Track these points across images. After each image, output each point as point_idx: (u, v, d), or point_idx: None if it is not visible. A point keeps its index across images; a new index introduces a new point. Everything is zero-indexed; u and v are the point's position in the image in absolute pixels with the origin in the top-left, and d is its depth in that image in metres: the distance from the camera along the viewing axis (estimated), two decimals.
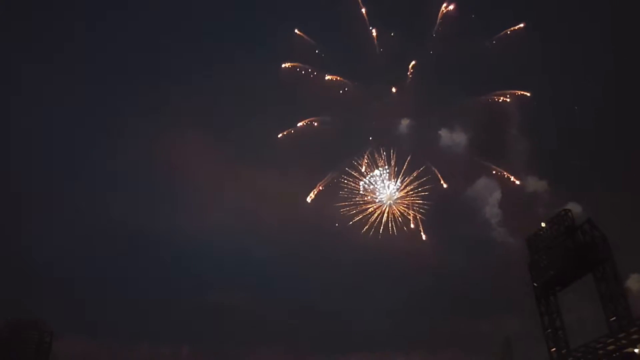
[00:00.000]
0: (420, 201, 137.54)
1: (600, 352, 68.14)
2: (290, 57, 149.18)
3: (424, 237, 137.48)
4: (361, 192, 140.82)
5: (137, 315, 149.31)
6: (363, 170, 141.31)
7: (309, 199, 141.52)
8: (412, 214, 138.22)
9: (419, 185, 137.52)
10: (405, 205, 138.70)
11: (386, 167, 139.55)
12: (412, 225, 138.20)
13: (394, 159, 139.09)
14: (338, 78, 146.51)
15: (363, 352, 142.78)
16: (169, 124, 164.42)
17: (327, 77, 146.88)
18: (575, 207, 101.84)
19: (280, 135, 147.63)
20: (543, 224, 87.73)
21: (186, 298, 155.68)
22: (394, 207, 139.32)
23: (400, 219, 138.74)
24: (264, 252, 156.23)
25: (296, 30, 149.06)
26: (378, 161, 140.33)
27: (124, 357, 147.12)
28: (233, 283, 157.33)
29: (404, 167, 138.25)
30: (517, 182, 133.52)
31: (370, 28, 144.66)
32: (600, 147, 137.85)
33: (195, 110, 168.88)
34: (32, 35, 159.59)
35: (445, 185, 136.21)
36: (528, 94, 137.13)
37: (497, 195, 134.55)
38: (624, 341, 65.65)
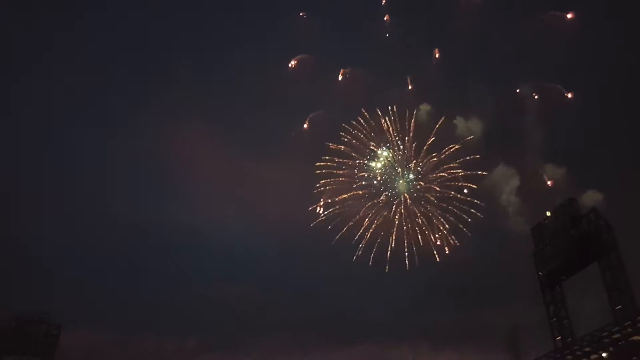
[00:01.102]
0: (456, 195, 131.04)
1: (606, 340, 68.16)
2: (299, 50, 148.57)
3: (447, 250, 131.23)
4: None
5: (142, 307, 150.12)
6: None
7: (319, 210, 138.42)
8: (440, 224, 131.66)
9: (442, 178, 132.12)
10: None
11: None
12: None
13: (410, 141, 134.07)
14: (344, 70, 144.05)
15: (367, 343, 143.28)
16: (170, 119, 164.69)
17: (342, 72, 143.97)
18: (595, 195, 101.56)
19: (294, 134, 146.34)
20: (548, 213, 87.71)
21: (190, 291, 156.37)
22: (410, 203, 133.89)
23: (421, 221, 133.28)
24: (268, 244, 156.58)
25: (301, 13, 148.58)
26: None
27: (130, 349, 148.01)
28: (238, 275, 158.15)
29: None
30: (535, 170, 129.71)
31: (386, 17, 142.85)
32: (620, 134, 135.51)
33: (196, 105, 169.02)
34: (33, 25, 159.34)
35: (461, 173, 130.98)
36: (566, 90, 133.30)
37: (515, 182, 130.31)
38: (629, 329, 65.72)
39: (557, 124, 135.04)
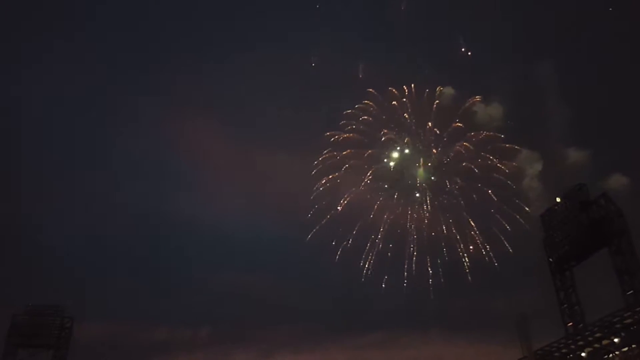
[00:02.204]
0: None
1: (617, 325, 68.17)
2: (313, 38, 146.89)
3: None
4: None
5: (154, 299, 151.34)
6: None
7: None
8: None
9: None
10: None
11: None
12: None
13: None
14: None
15: (378, 332, 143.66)
16: (181, 108, 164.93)
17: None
18: (620, 179, 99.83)
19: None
20: (558, 199, 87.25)
21: (201, 282, 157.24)
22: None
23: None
24: (280, 235, 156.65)
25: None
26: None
27: (144, 341, 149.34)
28: (250, 266, 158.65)
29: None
30: (558, 153, 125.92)
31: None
32: None
33: (201, 97, 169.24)
34: (42, 15, 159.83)
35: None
36: None
37: (538, 167, 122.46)
38: None
39: (582, 105, 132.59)
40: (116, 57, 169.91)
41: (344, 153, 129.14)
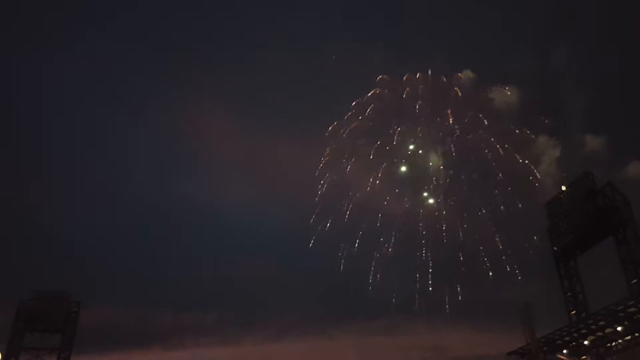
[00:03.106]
0: None
1: (621, 315, 68.15)
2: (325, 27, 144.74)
3: None
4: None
5: (162, 284, 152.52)
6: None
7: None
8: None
9: None
10: None
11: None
12: None
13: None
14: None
15: (382, 319, 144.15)
16: (191, 96, 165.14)
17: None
18: (637, 166, 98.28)
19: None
20: (563, 188, 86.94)
21: (209, 267, 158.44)
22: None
23: None
24: (285, 220, 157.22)
25: None
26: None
27: (149, 325, 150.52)
28: (255, 252, 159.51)
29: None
30: (574, 140, 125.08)
31: None
32: None
33: (216, 85, 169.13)
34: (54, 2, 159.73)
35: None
36: None
37: (555, 153, 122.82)
38: None
39: (599, 91, 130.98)
40: (128, 45, 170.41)
41: (358, 142, 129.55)
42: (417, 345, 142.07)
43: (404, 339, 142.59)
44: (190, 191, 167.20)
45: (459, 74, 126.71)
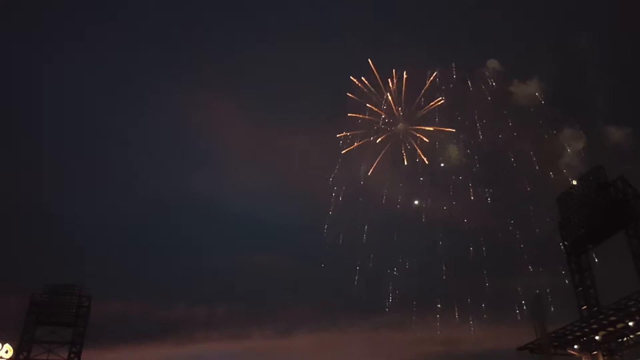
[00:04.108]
0: None
1: (632, 309, 67.49)
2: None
3: None
4: None
5: (173, 278, 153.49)
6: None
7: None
8: None
9: None
10: None
11: None
12: None
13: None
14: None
15: (392, 313, 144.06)
16: (200, 86, 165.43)
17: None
18: None
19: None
20: (574, 182, 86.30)
21: (220, 261, 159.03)
22: None
23: None
24: (297, 214, 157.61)
25: None
26: None
27: (161, 319, 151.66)
28: (266, 245, 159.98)
29: None
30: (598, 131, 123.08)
31: None
32: None
33: (219, 74, 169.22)
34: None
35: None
36: None
37: (578, 145, 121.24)
38: None
39: (623, 82, 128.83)
40: (137, 35, 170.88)
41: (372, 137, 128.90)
42: (427, 339, 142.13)
43: (415, 333, 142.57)
44: (202, 185, 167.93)
45: (486, 64, 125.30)
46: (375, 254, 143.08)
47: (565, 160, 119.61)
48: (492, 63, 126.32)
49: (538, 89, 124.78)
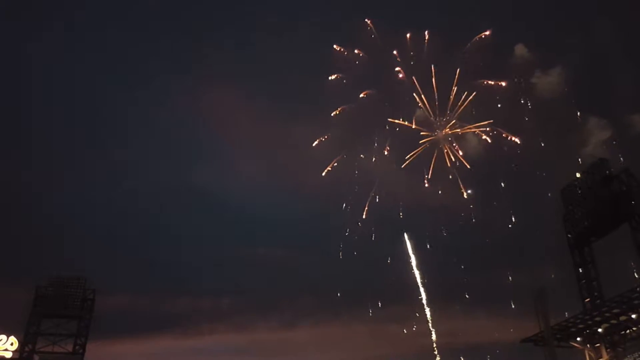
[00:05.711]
0: None
1: (636, 302, 67.42)
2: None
3: None
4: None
5: (178, 270, 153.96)
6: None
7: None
8: None
9: None
10: None
11: None
12: None
13: None
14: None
15: (398, 305, 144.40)
16: (210, 81, 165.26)
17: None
18: None
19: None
20: (578, 175, 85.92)
21: (226, 253, 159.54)
22: None
23: None
24: (304, 207, 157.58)
25: None
26: None
27: (166, 311, 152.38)
28: (272, 239, 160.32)
29: None
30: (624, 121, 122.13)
31: None
32: None
33: (228, 69, 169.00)
34: None
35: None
36: None
37: (604, 135, 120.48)
38: None
39: None
40: (150, 25, 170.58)
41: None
42: (430, 332, 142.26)
43: (419, 325, 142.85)
44: (208, 178, 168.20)
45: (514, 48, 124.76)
46: (384, 247, 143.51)
47: (588, 150, 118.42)
48: (520, 49, 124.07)
49: (563, 78, 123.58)
